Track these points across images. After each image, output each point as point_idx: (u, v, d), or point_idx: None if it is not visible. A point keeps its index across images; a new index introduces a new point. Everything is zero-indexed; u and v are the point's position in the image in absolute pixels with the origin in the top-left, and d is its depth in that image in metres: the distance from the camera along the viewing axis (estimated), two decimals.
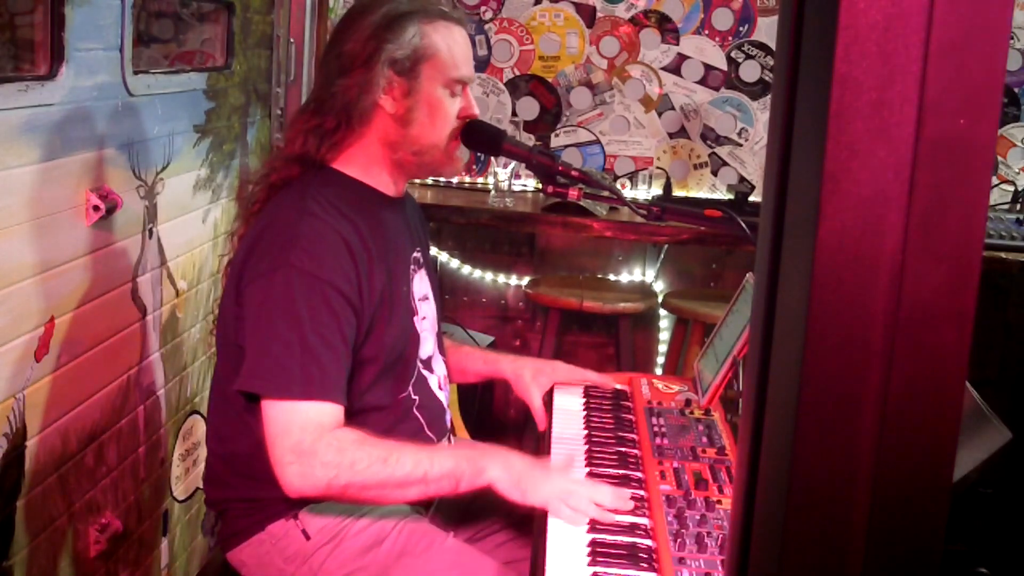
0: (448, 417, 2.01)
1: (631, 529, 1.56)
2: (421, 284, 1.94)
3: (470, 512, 1.99)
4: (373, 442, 1.66)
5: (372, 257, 1.77)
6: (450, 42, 1.84)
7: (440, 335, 2.04)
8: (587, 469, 1.76)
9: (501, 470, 1.66)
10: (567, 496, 1.61)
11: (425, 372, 1.92)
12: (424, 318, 1.93)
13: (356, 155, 1.85)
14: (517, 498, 1.65)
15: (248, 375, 1.69)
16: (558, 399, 2.09)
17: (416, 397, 1.89)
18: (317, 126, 1.83)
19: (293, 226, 1.72)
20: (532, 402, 2.06)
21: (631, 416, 2.02)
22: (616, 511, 1.60)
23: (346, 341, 1.71)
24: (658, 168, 4.04)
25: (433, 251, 3.97)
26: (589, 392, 2.14)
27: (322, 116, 1.83)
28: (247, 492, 1.80)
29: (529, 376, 2.08)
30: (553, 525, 1.57)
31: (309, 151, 1.83)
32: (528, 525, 1.91)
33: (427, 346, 1.93)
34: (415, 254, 1.94)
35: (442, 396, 1.98)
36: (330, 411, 1.67)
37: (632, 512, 1.61)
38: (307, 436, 1.63)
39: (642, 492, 1.68)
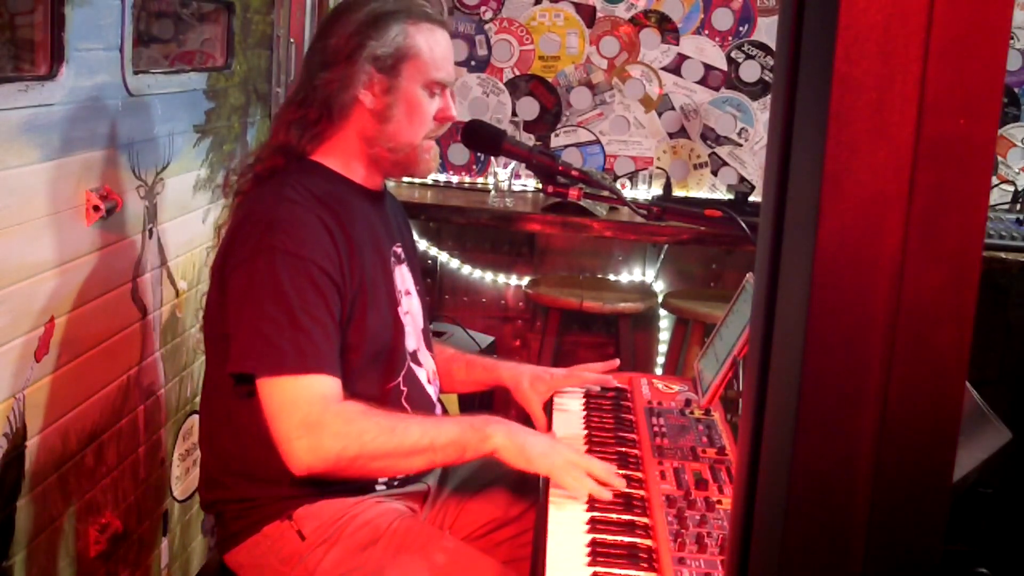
0: (439, 410, 2.01)
1: (631, 529, 1.56)
2: (403, 278, 1.96)
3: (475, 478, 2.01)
4: (378, 412, 1.69)
5: (352, 243, 1.79)
6: (432, 44, 1.87)
7: (427, 331, 2.04)
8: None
9: (505, 437, 1.69)
10: (570, 468, 1.65)
11: (413, 365, 1.93)
12: (407, 312, 1.94)
13: (335, 148, 1.88)
14: (522, 465, 1.69)
15: (240, 356, 1.69)
16: (558, 399, 2.10)
17: (405, 388, 1.90)
18: (300, 118, 1.87)
19: (272, 212, 1.75)
20: (532, 410, 2.06)
21: (631, 416, 2.02)
22: (610, 486, 1.65)
23: (333, 317, 1.72)
24: (658, 168, 4.04)
25: (433, 251, 3.97)
26: (589, 392, 2.14)
27: (305, 108, 1.86)
28: (242, 493, 1.80)
29: (527, 383, 2.08)
30: (553, 524, 1.57)
31: (291, 142, 1.87)
32: (527, 522, 1.91)
33: (412, 339, 1.94)
34: (395, 248, 1.96)
35: (431, 390, 1.98)
36: (331, 383, 1.68)
37: (632, 512, 1.61)
38: (315, 408, 1.64)
39: (642, 492, 1.68)
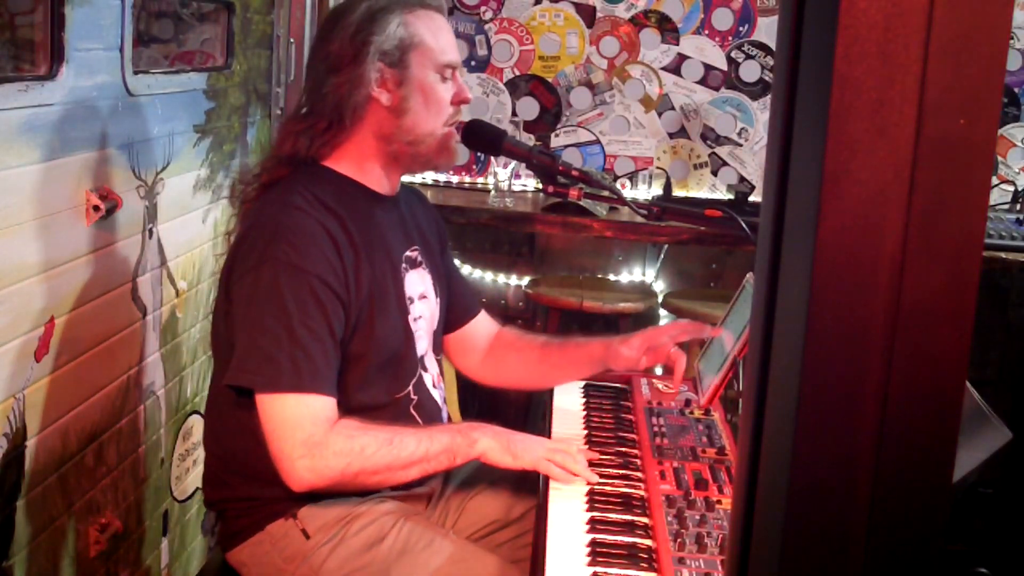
0: (444, 415, 2.01)
1: (631, 529, 1.56)
2: (416, 283, 1.94)
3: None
4: (374, 427, 1.71)
5: (359, 252, 1.78)
6: (434, 29, 1.86)
7: (437, 333, 2.04)
8: (588, 469, 1.76)
9: (491, 439, 1.75)
10: (553, 455, 1.73)
11: (420, 371, 1.93)
12: (419, 317, 1.93)
13: (348, 152, 1.87)
14: (509, 463, 1.75)
15: (238, 369, 1.70)
16: (558, 399, 2.10)
17: (415, 397, 1.90)
18: (308, 127, 1.85)
19: (277, 220, 1.74)
20: (629, 360, 2.03)
21: (631, 416, 2.02)
22: (601, 464, 1.74)
23: (333, 333, 1.72)
24: (658, 168, 4.04)
25: None
26: (589, 392, 2.14)
27: (313, 118, 1.85)
28: (245, 492, 1.80)
29: (618, 342, 2.05)
30: (553, 524, 1.58)
31: (300, 151, 1.85)
32: (527, 522, 1.91)
33: (422, 345, 1.94)
34: (408, 252, 1.94)
35: (437, 394, 1.98)
36: (328, 403, 1.69)
37: (632, 512, 1.61)
38: (318, 428, 1.65)
39: (642, 492, 1.68)
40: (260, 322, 1.68)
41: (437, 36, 1.86)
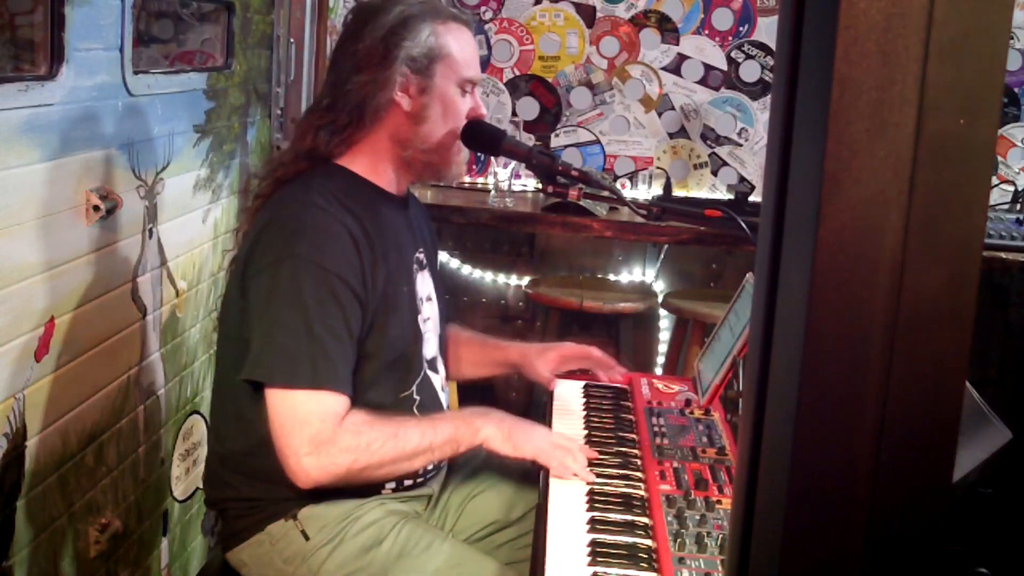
0: None
1: (631, 529, 1.56)
2: (424, 284, 1.95)
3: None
4: (380, 420, 1.72)
5: (375, 252, 1.78)
6: (461, 43, 1.88)
7: (442, 337, 2.04)
8: (587, 468, 1.76)
9: (493, 427, 1.77)
10: (554, 447, 1.75)
11: (430, 372, 1.93)
12: (428, 319, 1.94)
13: (363, 152, 1.87)
14: (509, 452, 1.76)
15: (254, 364, 1.70)
16: (558, 399, 2.10)
17: (418, 397, 1.90)
18: (329, 123, 1.86)
19: (298, 218, 1.74)
20: (541, 376, 2.11)
21: (631, 416, 2.02)
22: (601, 463, 1.76)
23: (351, 333, 1.73)
24: (658, 168, 4.04)
25: None
26: (589, 392, 2.14)
27: (334, 113, 1.85)
28: (247, 492, 1.80)
29: (534, 353, 2.15)
30: (553, 524, 1.57)
31: (318, 147, 1.86)
32: (527, 524, 1.91)
33: (431, 346, 1.94)
34: (417, 254, 1.95)
35: (443, 397, 1.99)
36: (342, 402, 1.69)
37: (632, 512, 1.61)
38: (326, 426, 1.66)
39: (642, 492, 1.68)
40: (279, 318, 1.69)
41: (464, 50, 1.88)
